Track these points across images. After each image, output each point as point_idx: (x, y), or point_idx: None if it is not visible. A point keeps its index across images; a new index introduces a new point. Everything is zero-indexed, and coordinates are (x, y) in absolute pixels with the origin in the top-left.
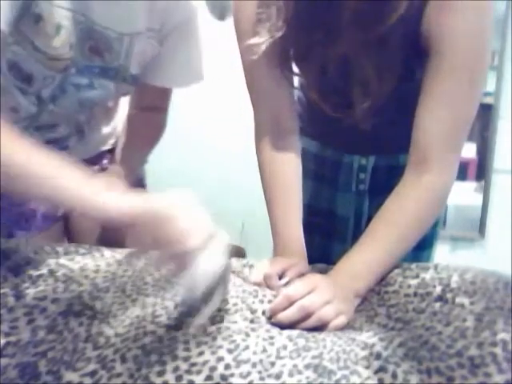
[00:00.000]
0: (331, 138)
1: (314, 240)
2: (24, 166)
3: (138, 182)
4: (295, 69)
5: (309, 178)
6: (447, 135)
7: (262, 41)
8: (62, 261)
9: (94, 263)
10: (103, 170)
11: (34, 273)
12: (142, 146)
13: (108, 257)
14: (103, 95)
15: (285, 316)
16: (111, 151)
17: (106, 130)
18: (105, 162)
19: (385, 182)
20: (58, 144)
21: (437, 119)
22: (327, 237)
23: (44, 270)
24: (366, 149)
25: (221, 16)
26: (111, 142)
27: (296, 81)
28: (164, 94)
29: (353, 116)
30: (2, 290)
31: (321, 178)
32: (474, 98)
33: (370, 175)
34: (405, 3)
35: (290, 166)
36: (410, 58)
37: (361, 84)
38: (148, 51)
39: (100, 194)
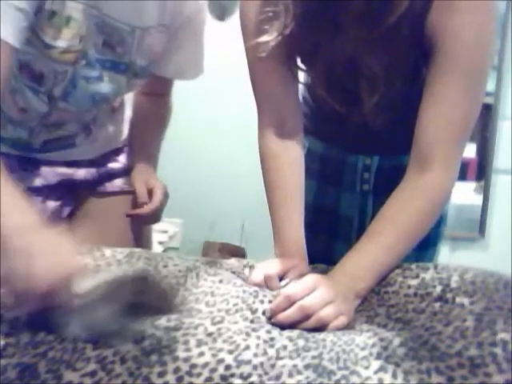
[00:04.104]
0: (336, 138)
1: (317, 240)
2: None
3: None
4: (302, 66)
5: (313, 178)
6: (449, 134)
7: (270, 38)
8: None
9: (94, 263)
10: (111, 174)
11: None
12: (152, 127)
13: (108, 257)
14: (114, 89)
15: (285, 316)
16: (117, 152)
17: (111, 129)
18: (110, 164)
19: (389, 182)
20: (65, 141)
21: (439, 118)
22: (331, 237)
23: None
24: (370, 149)
25: (221, 17)
26: (117, 142)
27: (301, 80)
28: (167, 81)
29: (361, 112)
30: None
31: (325, 178)
32: (476, 98)
33: (375, 175)
34: (405, 3)
35: (293, 166)
36: (416, 58)
37: (368, 80)
38: (158, 45)
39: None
